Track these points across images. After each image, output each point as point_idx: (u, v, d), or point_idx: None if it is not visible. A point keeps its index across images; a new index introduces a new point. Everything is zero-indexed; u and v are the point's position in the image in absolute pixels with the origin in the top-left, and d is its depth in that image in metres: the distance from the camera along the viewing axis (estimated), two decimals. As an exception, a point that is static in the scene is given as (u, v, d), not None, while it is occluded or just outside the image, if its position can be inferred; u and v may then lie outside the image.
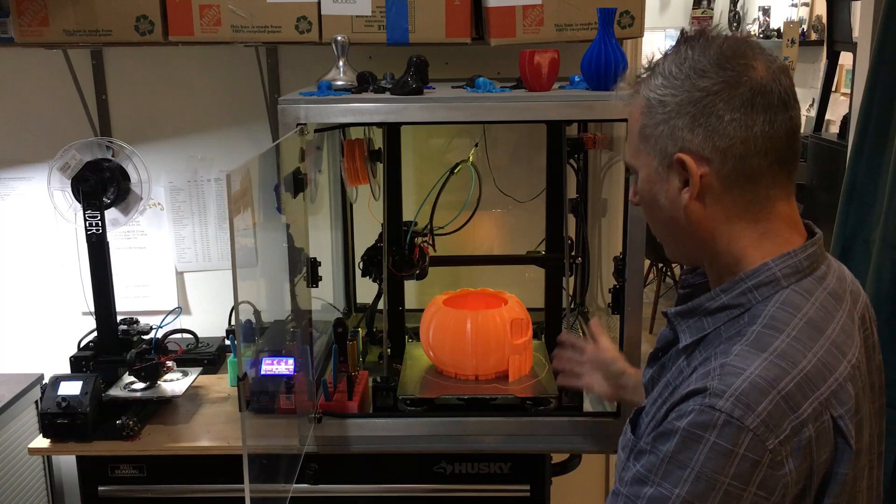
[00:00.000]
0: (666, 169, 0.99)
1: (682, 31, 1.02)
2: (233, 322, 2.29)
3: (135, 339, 2.06)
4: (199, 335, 2.35)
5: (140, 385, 1.98)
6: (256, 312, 2.31)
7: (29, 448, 1.91)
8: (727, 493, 0.86)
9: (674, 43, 1.02)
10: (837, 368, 0.92)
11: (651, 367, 1.14)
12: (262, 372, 1.98)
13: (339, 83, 1.77)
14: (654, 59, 1.03)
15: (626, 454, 1.00)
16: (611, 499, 0.97)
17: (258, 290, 2.39)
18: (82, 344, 2.09)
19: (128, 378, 2.00)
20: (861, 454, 0.95)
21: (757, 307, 0.96)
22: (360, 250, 2.10)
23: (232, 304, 2.29)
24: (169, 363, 2.01)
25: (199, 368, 2.12)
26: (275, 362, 1.99)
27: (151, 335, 2.04)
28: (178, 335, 2.17)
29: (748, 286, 0.97)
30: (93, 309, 2.02)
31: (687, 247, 1.05)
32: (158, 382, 2.00)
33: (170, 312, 2.07)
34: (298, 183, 1.67)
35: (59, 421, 1.86)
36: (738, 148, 0.95)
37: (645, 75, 1.02)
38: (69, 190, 2.00)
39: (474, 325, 1.87)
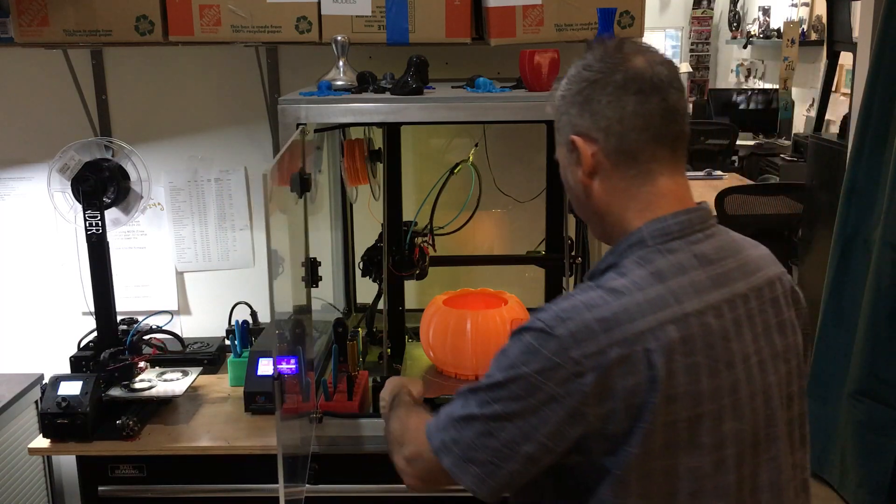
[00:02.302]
0: (569, 154, 1.13)
1: (588, 41, 1.15)
2: (233, 322, 2.29)
3: (134, 339, 2.06)
4: (199, 335, 2.35)
5: (140, 385, 1.98)
6: (253, 313, 2.33)
7: (29, 448, 1.91)
8: (528, 383, 1.01)
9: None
10: (664, 310, 1.01)
11: None
12: (261, 372, 1.98)
13: (339, 83, 1.77)
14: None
15: None
16: None
17: (257, 290, 2.40)
18: (82, 344, 2.09)
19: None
20: (684, 410, 1.00)
21: (623, 262, 1.08)
22: (360, 250, 2.10)
23: (232, 303, 2.32)
24: (142, 364, 2.01)
25: (199, 369, 2.12)
26: (272, 362, 1.99)
27: (129, 336, 2.03)
28: (170, 337, 2.16)
29: (624, 247, 1.10)
30: (93, 309, 2.02)
31: (596, 224, 1.17)
32: (157, 382, 2.00)
33: (156, 313, 2.07)
34: (304, 183, 1.66)
35: (59, 421, 1.86)
36: (616, 126, 1.07)
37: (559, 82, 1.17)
38: (69, 191, 2.00)
39: (474, 325, 1.87)
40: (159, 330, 2.09)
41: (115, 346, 2.00)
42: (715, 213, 1.11)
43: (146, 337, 2.05)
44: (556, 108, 1.15)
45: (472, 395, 1.07)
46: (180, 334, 2.18)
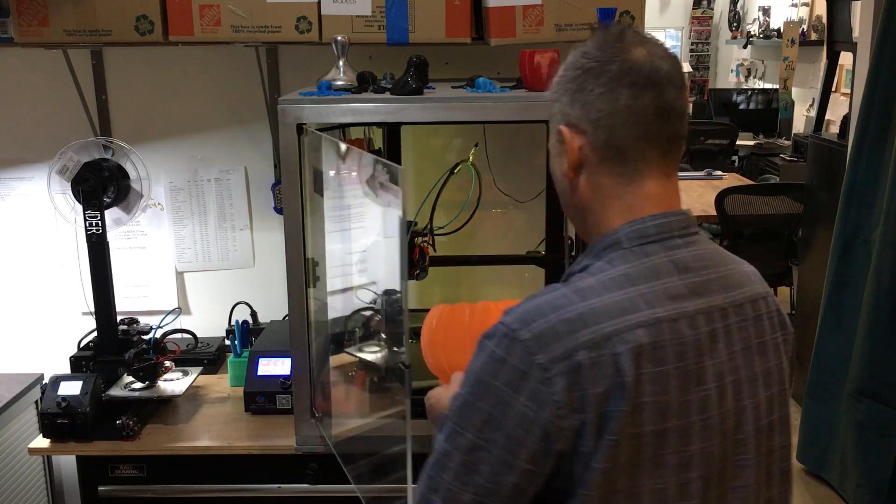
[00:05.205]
0: (558, 144, 1.06)
1: (591, 26, 1.06)
2: (233, 322, 2.29)
3: (135, 339, 2.06)
4: (199, 335, 2.35)
5: (140, 385, 1.98)
6: (253, 313, 2.32)
7: (29, 448, 1.91)
8: (498, 398, 0.93)
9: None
10: (633, 313, 0.94)
11: None
12: (260, 373, 1.98)
13: (339, 83, 1.77)
14: None
15: None
16: None
17: (257, 290, 2.40)
18: (82, 344, 2.09)
19: (128, 378, 2.00)
20: (650, 422, 0.93)
21: (596, 263, 1.02)
22: (360, 250, 2.10)
23: (232, 303, 2.32)
24: (167, 363, 2.01)
25: (199, 368, 2.12)
26: (272, 363, 2.00)
27: (151, 335, 2.04)
28: (178, 335, 2.17)
29: (599, 248, 1.03)
30: (93, 309, 2.02)
31: (578, 221, 1.11)
32: (158, 382, 2.00)
33: (169, 313, 2.07)
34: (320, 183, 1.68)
35: (59, 421, 1.86)
36: (606, 120, 1.01)
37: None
38: (69, 192, 1.99)
39: (473, 322, 1.86)
40: (179, 329, 2.09)
41: (115, 345, 2.00)
42: (696, 223, 1.06)
43: (159, 335, 2.05)
44: (551, 94, 1.08)
45: (445, 426, 0.97)
46: (180, 335, 2.18)
